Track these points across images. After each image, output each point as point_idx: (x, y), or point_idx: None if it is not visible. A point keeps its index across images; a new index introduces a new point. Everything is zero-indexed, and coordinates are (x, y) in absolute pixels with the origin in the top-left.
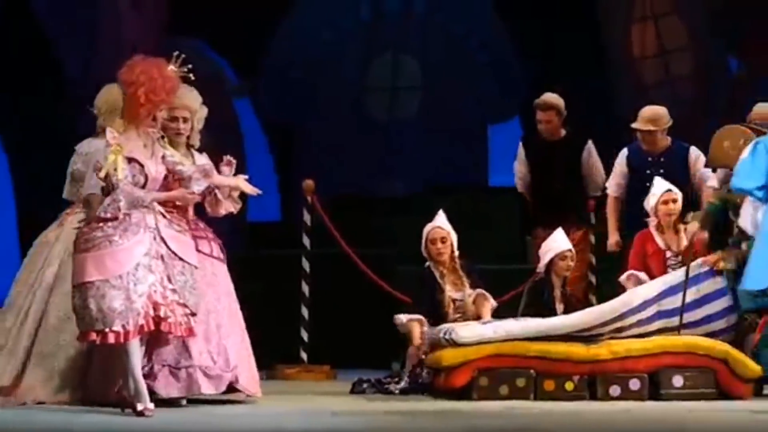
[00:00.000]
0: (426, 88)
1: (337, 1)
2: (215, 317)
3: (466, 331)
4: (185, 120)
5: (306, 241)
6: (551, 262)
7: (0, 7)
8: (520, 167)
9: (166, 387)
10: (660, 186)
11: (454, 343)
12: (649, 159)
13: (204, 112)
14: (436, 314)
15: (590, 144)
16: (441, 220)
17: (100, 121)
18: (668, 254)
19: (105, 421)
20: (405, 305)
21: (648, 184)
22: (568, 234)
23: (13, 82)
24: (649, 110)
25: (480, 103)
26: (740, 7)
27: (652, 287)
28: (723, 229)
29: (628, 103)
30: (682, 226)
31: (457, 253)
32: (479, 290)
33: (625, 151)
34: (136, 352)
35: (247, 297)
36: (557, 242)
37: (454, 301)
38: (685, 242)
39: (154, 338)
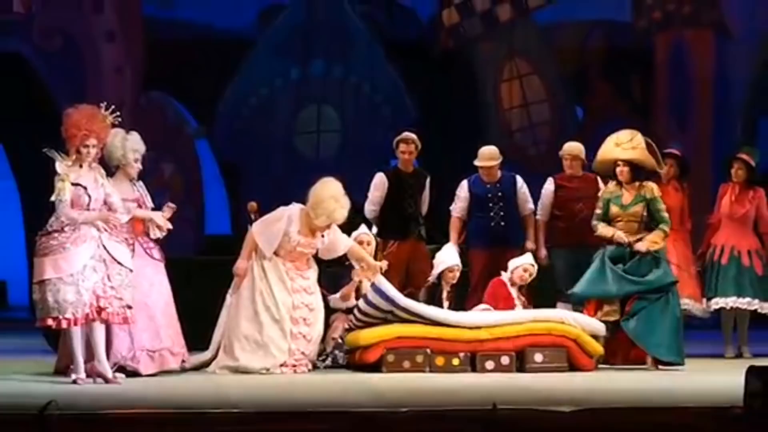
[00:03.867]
0: (343, 132)
1: (271, 65)
2: (171, 308)
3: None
4: (136, 160)
5: None
6: (442, 272)
7: (12, 69)
8: (377, 193)
9: (146, 367)
10: (526, 256)
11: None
12: (488, 187)
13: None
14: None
15: (429, 179)
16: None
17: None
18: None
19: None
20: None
21: (487, 206)
22: (413, 247)
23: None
24: (488, 150)
25: (384, 143)
26: (584, 71)
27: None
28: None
29: (498, 143)
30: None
31: None
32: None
33: (465, 183)
34: (78, 335)
35: (207, 292)
36: (448, 257)
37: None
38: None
39: (108, 327)
